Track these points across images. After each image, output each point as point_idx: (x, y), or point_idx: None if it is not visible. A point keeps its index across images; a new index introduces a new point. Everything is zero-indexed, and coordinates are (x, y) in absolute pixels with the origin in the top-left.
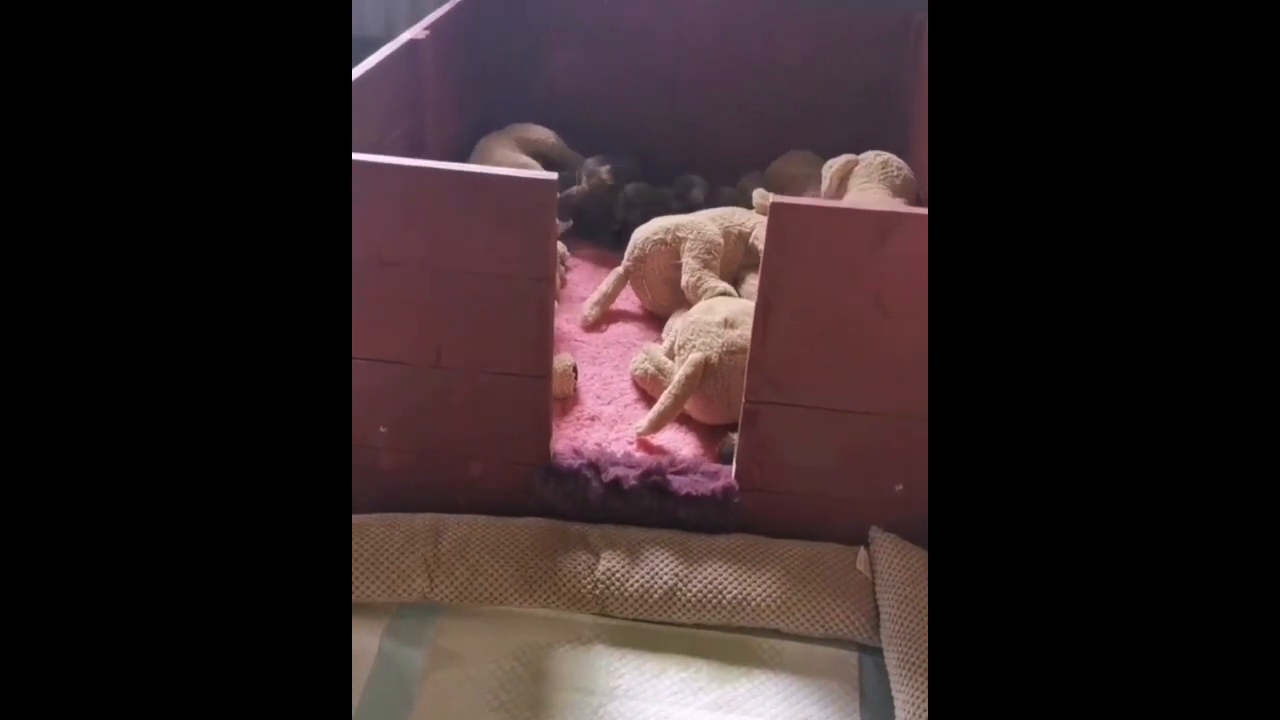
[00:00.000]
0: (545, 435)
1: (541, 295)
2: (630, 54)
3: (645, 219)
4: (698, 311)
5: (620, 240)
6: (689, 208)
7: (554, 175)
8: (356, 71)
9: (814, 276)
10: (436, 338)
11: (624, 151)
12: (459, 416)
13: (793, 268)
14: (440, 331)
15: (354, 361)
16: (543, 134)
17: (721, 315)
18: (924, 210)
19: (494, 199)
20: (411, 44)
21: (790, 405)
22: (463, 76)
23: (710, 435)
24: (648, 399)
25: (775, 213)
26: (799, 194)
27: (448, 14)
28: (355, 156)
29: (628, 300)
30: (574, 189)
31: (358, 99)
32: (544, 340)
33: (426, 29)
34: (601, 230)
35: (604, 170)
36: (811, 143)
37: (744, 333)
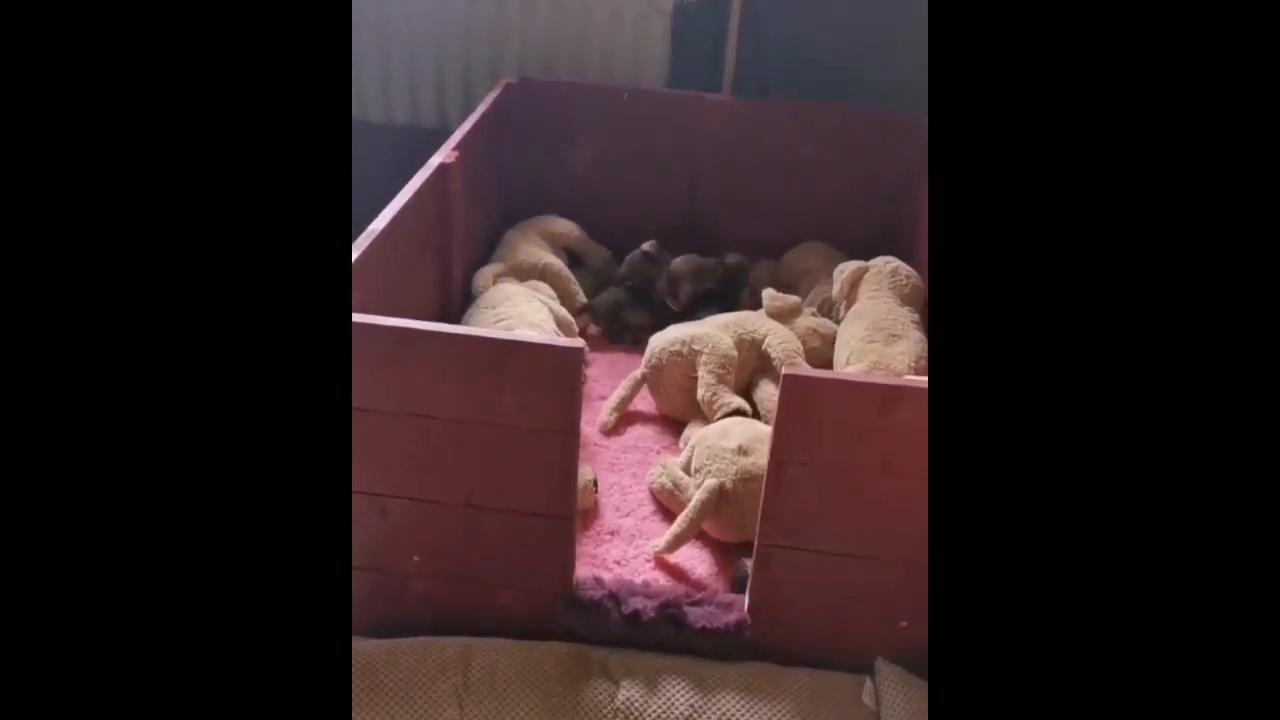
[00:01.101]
0: (569, 567)
1: (566, 446)
2: (650, 149)
3: (695, 286)
4: (714, 435)
5: (661, 312)
6: (729, 272)
7: (580, 343)
8: (395, 204)
9: (824, 439)
10: (468, 481)
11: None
12: (488, 550)
13: (804, 431)
14: (472, 476)
15: (390, 500)
16: (566, 227)
17: (736, 442)
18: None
19: (523, 363)
20: (441, 168)
21: (801, 550)
22: (489, 181)
23: (725, 554)
24: (664, 511)
25: (787, 384)
26: (810, 288)
27: (474, 128)
28: (397, 322)
29: (645, 400)
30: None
31: (395, 229)
32: (569, 485)
33: (455, 150)
34: (648, 300)
35: (647, 245)
36: (825, 235)
37: (757, 460)
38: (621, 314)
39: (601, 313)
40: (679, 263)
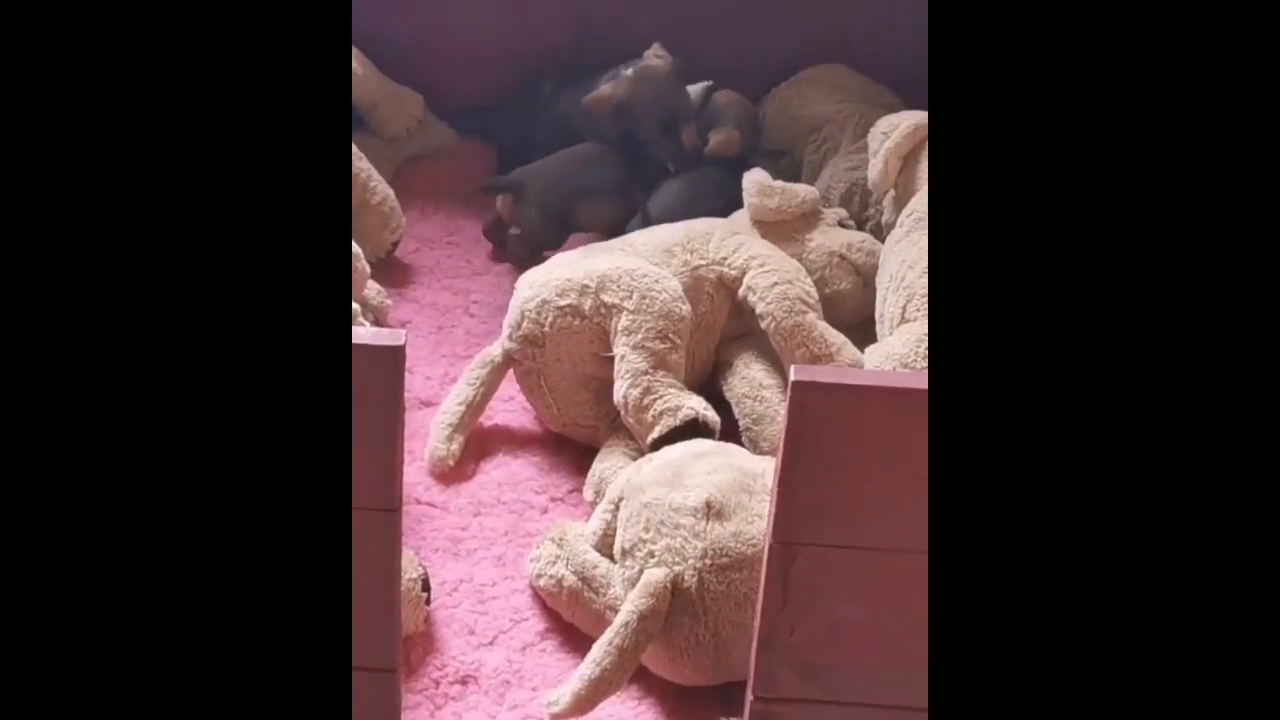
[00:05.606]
0: None
1: (386, 535)
2: None
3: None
4: (654, 480)
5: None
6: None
7: (400, 336)
8: None
9: (866, 498)
10: None
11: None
12: None
13: (830, 483)
14: None
15: None
16: None
17: (701, 495)
18: None
19: None
20: None
21: (830, 704)
22: None
23: (686, 708)
24: (564, 627)
25: (797, 395)
26: (826, 159)
27: None
28: None
29: (512, 403)
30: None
31: None
32: (388, 614)
33: None
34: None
35: (653, 56)
36: (847, 54)
37: (741, 529)
38: (579, 205)
39: (533, 200)
40: (723, 96)
